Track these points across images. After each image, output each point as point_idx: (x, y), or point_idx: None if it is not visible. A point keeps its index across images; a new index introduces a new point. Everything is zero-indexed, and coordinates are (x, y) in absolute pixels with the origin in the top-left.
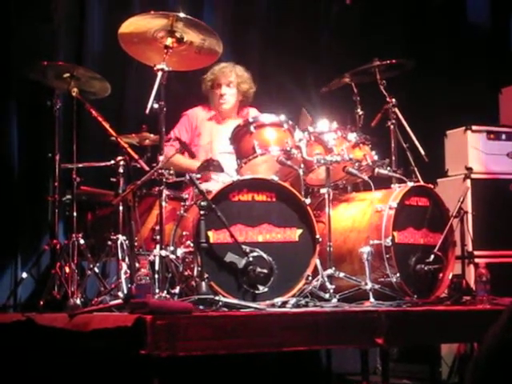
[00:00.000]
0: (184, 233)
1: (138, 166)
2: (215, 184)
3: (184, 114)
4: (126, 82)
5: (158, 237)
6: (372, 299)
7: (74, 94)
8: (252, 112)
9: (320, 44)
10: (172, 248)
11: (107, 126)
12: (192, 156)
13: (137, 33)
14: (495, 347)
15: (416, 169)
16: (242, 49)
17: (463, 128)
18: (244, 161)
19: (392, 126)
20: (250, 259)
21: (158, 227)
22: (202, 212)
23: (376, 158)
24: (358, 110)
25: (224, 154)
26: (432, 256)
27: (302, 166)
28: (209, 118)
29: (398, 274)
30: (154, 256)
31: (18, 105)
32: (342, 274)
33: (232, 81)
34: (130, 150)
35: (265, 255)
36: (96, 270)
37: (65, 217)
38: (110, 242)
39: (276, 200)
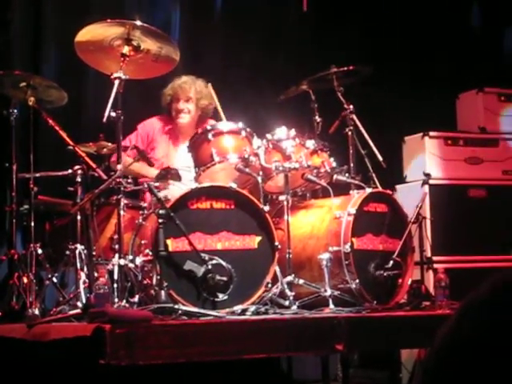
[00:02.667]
0: (143, 241)
1: (96, 174)
2: (174, 191)
3: (139, 124)
4: (83, 90)
5: (116, 246)
6: (332, 306)
7: (30, 103)
8: (210, 123)
9: (278, 52)
10: (131, 257)
11: (64, 135)
12: (150, 165)
13: (93, 41)
14: (443, 348)
15: (374, 175)
16: (199, 56)
17: (421, 134)
18: (202, 169)
19: (350, 133)
20: (209, 267)
21: (116, 236)
22: (160, 220)
23: (334, 164)
24: (316, 117)
25: (180, 170)
26: (391, 262)
27: (261, 173)
28: (165, 131)
29: (357, 280)
30: (113, 265)
31: None
32: (301, 281)
33: (191, 97)
34: (87, 158)
35: (224, 263)
36: (54, 279)
37: (22, 227)
38: (68, 252)
39: (235, 207)
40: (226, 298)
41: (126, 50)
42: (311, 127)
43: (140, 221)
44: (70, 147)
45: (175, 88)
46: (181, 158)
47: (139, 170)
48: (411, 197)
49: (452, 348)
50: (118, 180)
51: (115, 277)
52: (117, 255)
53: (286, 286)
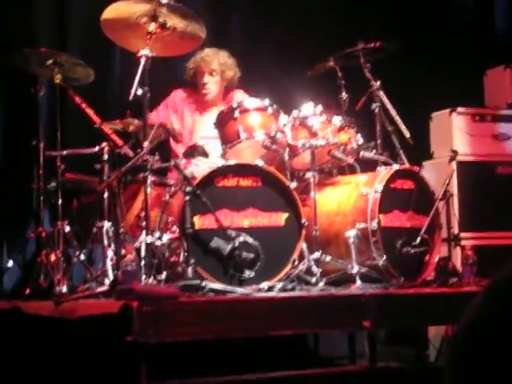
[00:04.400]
0: (169, 219)
1: (123, 152)
2: (201, 167)
3: (174, 90)
4: (110, 67)
5: (143, 223)
6: (359, 282)
7: (57, 80)
8: (238, 95)
9: (305, 27)
10: (158, 234)
11: (91, 112)
12: (177, 141)
13: (119, 18)
14: (471, 325)
15: (401, 152)
16: (226, 32)
17: (448, 110)
18: (229, 146)
19: (377, 109)
20: (236, 244)
21: (143, 213)
22: (187, 198)
23: (361, 141)
24: (343, 94)
25: (207, 139)
26: (418, 239)
27: (287, 150)
28: (192, 101)
29: (384, 257)
30: (140, 242)
31: (1, 92)
32: (328, 258)
33: (215, 69)
34: (114, 136)
35: (250, 240)
36: (82, 257)
37: (50, 204)
38: (95, 229)
39: (261, 185)
40: (252, 274)
41: (152, 27)
42: (338, 104)
43: (167, 198)
44: (97, 124)
45: (197, 61)
46: (208, 126)
47: None
48: (438, 173)
49: (480, 324)
50: (144, 157)
51: (142, 254)
52: (144, 232)
53: (312, 263)
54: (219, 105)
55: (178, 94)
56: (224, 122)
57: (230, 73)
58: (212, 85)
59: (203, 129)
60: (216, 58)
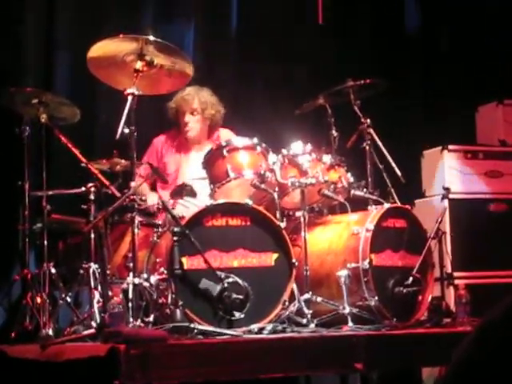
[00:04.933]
0: (157, 259)
1: (110, 192)
2: (189, 208)
3: (153, 140)
4: (96, 106)
5: (130, 264)
6: (350, 323)
7: (42, 120)
8: (224, 133)
9: (293, 66)
10: (145, 275)
11: (77, 152)
12: (164, 181)
13: (106, 56)
14: (462, 362)
15: (393, 190)
16: (214, 69)
17: (440, 148)
18: (217, 185)
19: (367, 147)
20: (225, 285)
21: (130, 254)
22: (175, 238)
23: (352, 179)
24: (333, 132)
25: (194, 181)
26: (411, 278)
27: (277, 189)
28: (175, 144)
29: (376, 298)
30: (127, 284)
31: None
32: (319, 299)
33: (195, 108)
34: (100, 176)
35: (240, 281)
36: (68, 299)
37: (36, 246)
38: (82, 271)
39: (251, 224)
40: (242, 316)
41: (139, 65)
42: (328, 142)
43: (154, 239)
44: (83, 164)
45: (178, 101)
46: (193, 167)
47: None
48: (431, 212)
49: (471, 363)
50: (131, 197)
51: (130, 296)
52: (131, 274)
53: (303, 304)
54: (204, 144)
55: (160, 140)
56: (212, 161)
57: (210, 111)
58: (193, 123)
59: (189, 170)
60: (196, 96)
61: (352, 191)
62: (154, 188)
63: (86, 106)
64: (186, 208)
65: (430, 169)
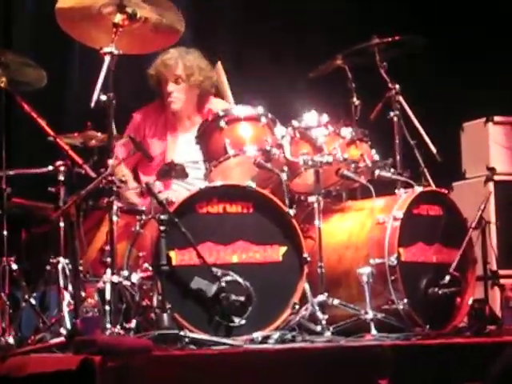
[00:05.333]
0: (140, 254)
1: (83, 172)
2: (179, 191)
3: (133, 114)
4: (67, 69)
5: (108, 259)
6: (374, 331)
7: (1, 84)
8: (217, 104)
9: (307, 20)
10: (126, 272)
11: (44, 123)
12: (149, 159)
13: (78, 8)
14: (505, 373)
15: (426, 170)
16: (209, 26)
17: (483, 119)
18: (213, 164)
19: (396, 118)
20: (223, 285)
21: (108, 247)
22: (162, 228)
23: (377, 157)
24: (354, 99)
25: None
26: (447, 277)
27: (286, 168)
28: (160, 120)
29: (405, 300)
30: (104, 283)
31: None
32: (336, 301)
33: (179, 75)
34: (72, 152)
35: (240, 279)
36: (32, 301)
37: None
38: (49, 267)
39: (253, 211)
40: (243, 322)
41: (118, 18)
42: (348, 112)
43: (137, 228)
44: (51, 138)
45: (159, 66)
46: (183, 151)
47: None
48: (472, 196)
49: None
50: (109, 178)
51: (107, 297)
52: (109, 271)
53: (317, 308)
54: (194, 119)
55: (141, 115)
56: (207, 135)
57: (198, 77)
58: (178, 93)
59: (177, 152)
60: (180, 60)
61: (377, 171)
62: (135, 173)
63: (54, 69)
64: (176, 192)
65: (471, 144)
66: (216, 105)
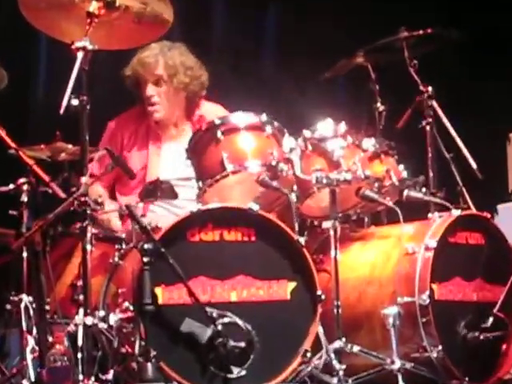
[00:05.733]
0: (120, 290)
1: (50, 191)
2: (166, 215)
3: (108, 122)
4: (32, 68)
5: (80, 297)
6: None
7: None
8: (210, 110)
9: (323, 11)
10: (102, 313)
11: (3, 133)
12: (131, 176)
13: None
14: None
15: (465, 189)
16: (203, 16)
17: None
18: (208, 182)
19: (428, 127)
20: (219, 328)
21: (80, 282)
22: (145, 259)
23: (405, 174)
24: (378, 105)
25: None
26: (490, 318)
27: (295, 188)
28: (142, 130)
29: (439, 347)
30: (76, 325)
31: None
32: (356, 348)
33: (160, 75)
34: (37, 168)
35: (240, 322)
36: None
37: None
38: (9, 306)
39: (256, 239)
40: (243, 373)
41: (94, 6)
42: (370, 120)
43: (116, 259)
44: (12, 151)
45: (135, 66)
46: (168, 165)
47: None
48: None
49: None
50: (82, 199)
51: (79, 343)
52: (81, 311)
53: (333, 356)
54: (182, 128)
55: (119, 124)
56: (201, 148)
57: (183, 78)
58: (159, 98)
59: (162, 165)
60: (162, 57)
61: (405, 192)
62: (113, 193)
63: (17, 68)
64: (162, 216)
65: None
66: (209, 110)
